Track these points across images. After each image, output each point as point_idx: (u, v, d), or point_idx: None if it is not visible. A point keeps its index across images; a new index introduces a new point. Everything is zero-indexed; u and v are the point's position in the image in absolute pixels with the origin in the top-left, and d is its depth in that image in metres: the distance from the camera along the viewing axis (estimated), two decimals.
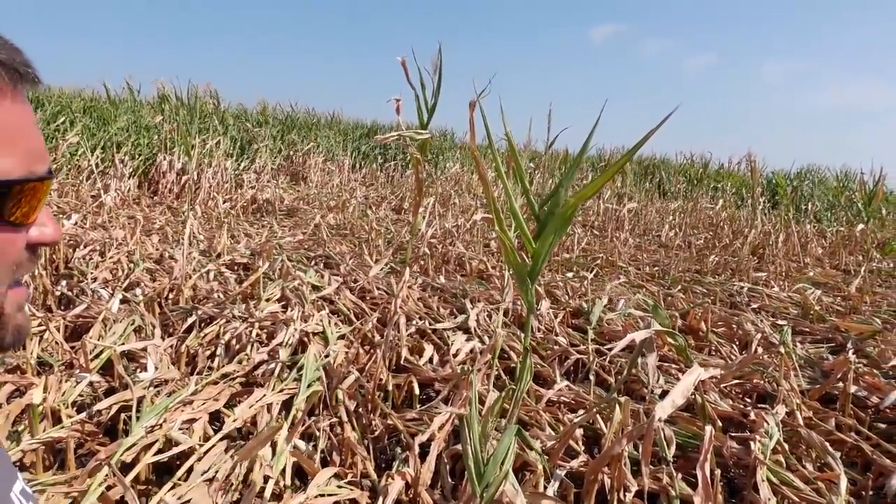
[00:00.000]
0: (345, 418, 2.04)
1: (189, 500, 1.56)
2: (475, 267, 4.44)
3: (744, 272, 5.10)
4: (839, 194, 9.93)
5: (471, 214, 6.05)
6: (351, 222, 6.03)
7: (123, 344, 2.39)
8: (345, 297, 3.21)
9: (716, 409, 2.19)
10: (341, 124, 12.83)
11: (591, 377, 2.51)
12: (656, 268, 5.21)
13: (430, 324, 2.93)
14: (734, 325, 3.27)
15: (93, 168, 6.34)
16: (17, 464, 1.73)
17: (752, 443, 1.86)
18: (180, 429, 1.84)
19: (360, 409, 2.12)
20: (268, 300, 3.02)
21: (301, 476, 1.78)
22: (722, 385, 2.44)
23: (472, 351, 2.62)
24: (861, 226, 7.13)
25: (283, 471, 1.71)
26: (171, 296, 3.19)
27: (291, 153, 9.72)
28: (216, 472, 1.65)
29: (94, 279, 3.29)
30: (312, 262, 4.10)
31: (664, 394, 1.96)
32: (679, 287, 4.33)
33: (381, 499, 1.61)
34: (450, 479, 1.76)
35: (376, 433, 2.04)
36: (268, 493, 1.62)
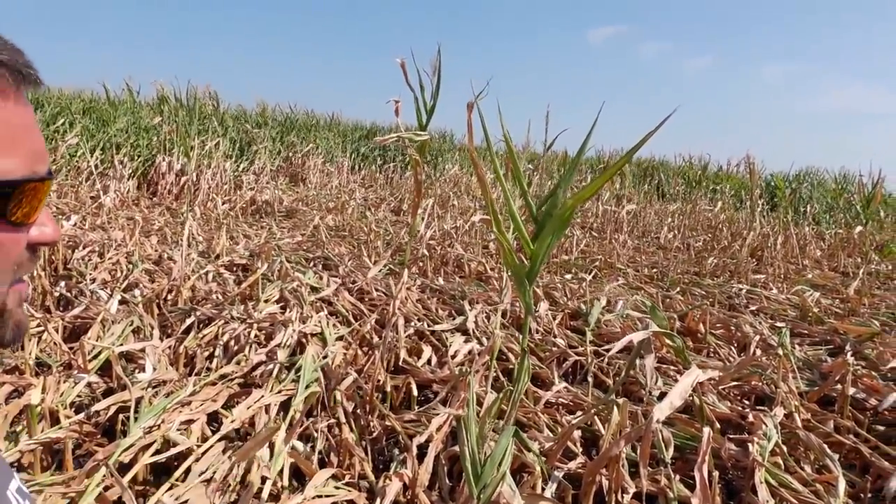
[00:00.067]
0: (343, 419, 2.03)
1: (187, 501, 1.56)
2: (474, 268, 4.44)
3: (742, 274, 5.10)
4: (838, 197, 9.93)
5: (469, 216, 6.05)
6: (350, 224, 6.03)
7: (122, 345, 2.39)
8: (343, 299, 3.21)
9: (714, 410, 2.19)
10: (340, 126, 12.84)
11: (590, 379, 2.51)
12: (655, 270, 5.21)
13: (429, 325, 2.93)
14: (733, 327, 3.27)
15: (92, 169, 6.34)
16: (16, 464, 1.73)
17: (750, 445, 1.85)
18: (178, 429, 1.84)
19: (358, 411, 2.12)
20: (266, 301, 3.02)
21: (299, 477, 1.78)
22: (720, 387, 2.44)
23: (470, 352, 2.63)
24: (859, 228, 7.13)
25: (281, 472, 1.71)
26: (169, 297, 3.19)
27: (290, 154, 9.73)
28: (214, 472, 1.65)
29: (93, 280, 3.28)
30: (311, 264, 4.10)
31: (662, 395, 1.97)
32: (678, 289, 4.34)
33: (378, 500, 1.61)
34: (447, 481, 1.76)
35: (374, 434, 2.04)
36: (265, 494, 1.62)
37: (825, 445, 1.91)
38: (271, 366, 2.31)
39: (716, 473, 1.58)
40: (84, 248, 3.79)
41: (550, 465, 1.78)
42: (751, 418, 2.10)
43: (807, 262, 6.14)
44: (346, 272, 3.81)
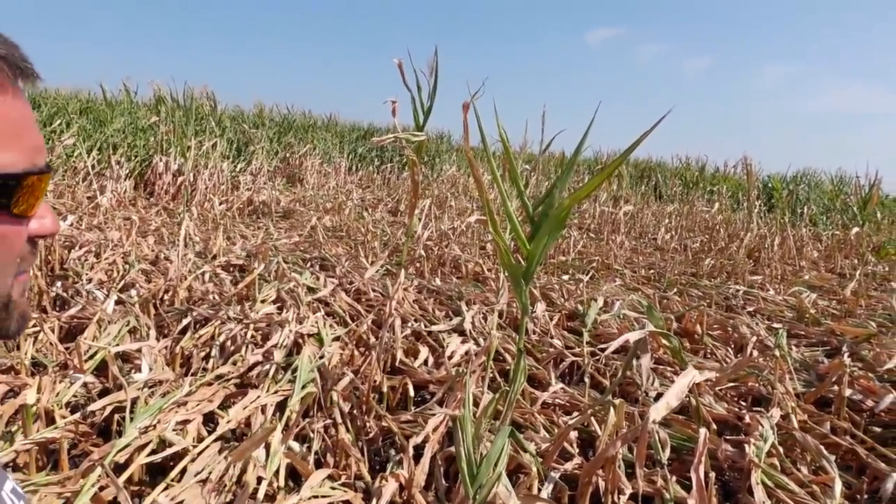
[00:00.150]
0: (339, 420, 2.03)
1: (182, 501, 1.55)
2: (471, 269, 4.44)
3: (739, 275, 5.11)
4: (835, 198, 9.95)
5: (467, 217, 6.05)
6: (347, 224, 6.02)
7: (118, 345, 2.38)
8: (340, 299, 3.21)
9: (710, 411, 2.19)
10: (338, 126, 12.83)
11: (587, 379, 2.51)
12: (652, 271, 5.22)
13: (426, 326, 2.93)
14: (729, 328, 3.28)
15: (89, 169, 6.32)
16: (11, 464, 1.73)
17: (746, 446, 1.85)
18: (174, 430, 1.84)
19: (355, 411, 2.12)
20: (263, 302, 3.02)
21: (295, 477, 1.78)
22: (717, 388, 2.44)
23: (466, 353, 2.62)
24: (856, 229, 7.15)
25: (277, 472, 1.71)
26: (166, 297, 3.18)
27: (288, 155, 9.72)
28: (210, 473, 1.65)
29: (90, 280, 3.27)
30: (308, 264, 4.10)
31: (659, 396, 1.97)
32: (675, 290, 4.34)
33: (374, 500, 1.60)
34: (444, 482, 1.76)
35: (370, 435, 2.04)
36: (261, 495, 1.61)
37: (822, 447, 1.91)
38: (268, 366, 2.31)
39: (712, 474, 1.59)
40: (80, 248, 3.78)
41: (547, 465, 1.78)
42: (747, 419, 2.10)
43: (804, 263, 6.15)
44: (342, 273, 3.81)
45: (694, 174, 12.24)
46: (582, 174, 10.92)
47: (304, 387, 2.13)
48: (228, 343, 2.55)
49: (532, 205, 1.48)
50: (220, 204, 6.51)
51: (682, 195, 11.07)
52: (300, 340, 2.55)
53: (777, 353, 2.55)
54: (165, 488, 1.60)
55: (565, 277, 4.38)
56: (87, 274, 3.38)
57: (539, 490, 1.69)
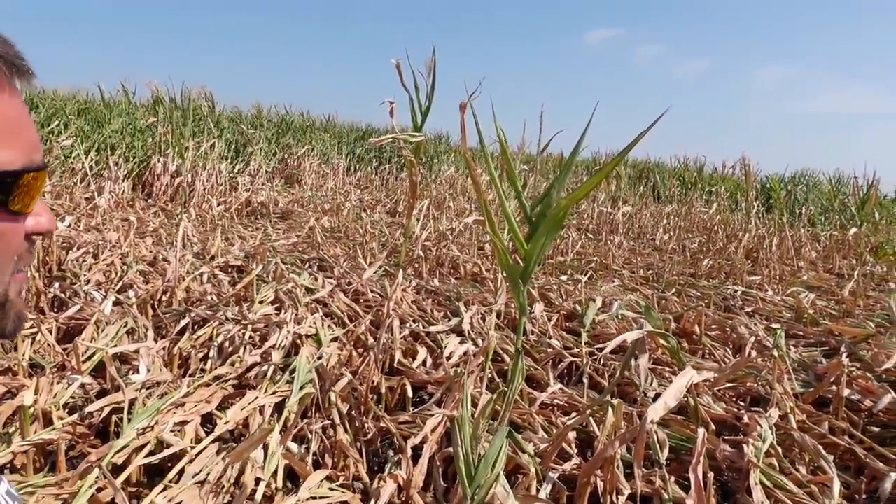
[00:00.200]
0: (337, 421, 2.03)
1: (180, 503, 1.55)
2: (469, 270, 4.44)
3: (738, 276, 5.11)
4: (833, 198, 9.96)
5: (465, 217, 6.05)
6: (345, 225, 6.02)
7: (116, 346, 2.38)
8: (338, 300, 3.20)
9: (709, 412, 2.19)
10: (336, 127, 12.83)
11: (585, 380, 2.51)
12: (650, 271, 5.22)
13: (424, 326, 2.93)
14: (728, 329, 3.28)
15: (87, 170, 6.32)
16: (8, 466, 1.72)
17: (745, 446, 1.86)
18: (172, 431, 1.83)
19: (353, 412, 2.12)
20: (261, 302, 3.01)
21: (293, 478, 1.78)
22: (715, 388, 2.44)
23: (465, 353, 2.62)
24: (854, 230, 7.15)
25: (275, 473, 1.71)
26: (164, 298, 3.18)
27: (286, 156, 9.71)
28: (208, 474, 1.65)
29: (87, 281, 3.27)
30: (306, 265, 4.09)
31: (657, 397, 1.96)
32: (673, 290, 4.34)
33: (372, 501, 1.60)
34: (442, 482, 1.76)
35: (369, 436, 2.04)
36: (259, 496, 1.61)
37: (820, 447, 1.90)
38: (266, 367, 2.31)
39: (711, 475, 1.58)
40: (78, 249, 3.78)
41: (545, 466, 1.78)
42: (746, 419, 2.10)
43: (802, 263, 6.15)
44: (341, 273, 3.81)
45: (692, 175, 12.26)
46: (580, 175, 10.94)
47: (302, 388, 2.13)
48: (226, 344, 2.55)
49: (530, 205, 1.48)
50: (219, 205, 6.50)
51: (680, 196, 11.09)
52: (298, 341, 2.55)
53: (775, 353, 2.55)
54: (163, 489, 1.60)
55: (563, 278, 4.38)
56: (84, 275, 3.37)
57: (537, 490, 1.69)
